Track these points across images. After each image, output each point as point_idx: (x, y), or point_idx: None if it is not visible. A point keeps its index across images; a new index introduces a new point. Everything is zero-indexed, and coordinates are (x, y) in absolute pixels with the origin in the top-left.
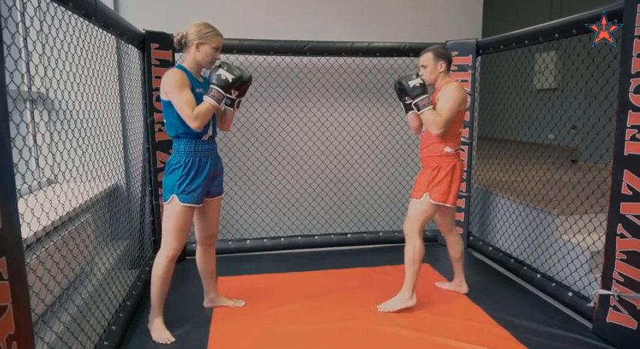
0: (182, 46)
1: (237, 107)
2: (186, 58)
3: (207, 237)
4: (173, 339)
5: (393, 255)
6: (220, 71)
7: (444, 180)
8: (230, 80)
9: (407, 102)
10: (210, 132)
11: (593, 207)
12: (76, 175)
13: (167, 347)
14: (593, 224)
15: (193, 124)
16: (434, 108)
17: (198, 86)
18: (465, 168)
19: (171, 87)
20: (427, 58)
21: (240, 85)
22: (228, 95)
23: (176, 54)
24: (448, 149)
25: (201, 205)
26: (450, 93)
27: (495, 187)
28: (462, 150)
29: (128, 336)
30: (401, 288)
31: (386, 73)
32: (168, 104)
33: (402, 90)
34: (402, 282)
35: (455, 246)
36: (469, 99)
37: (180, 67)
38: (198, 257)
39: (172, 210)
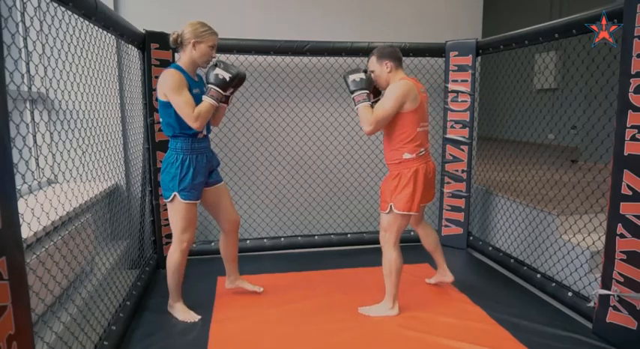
0: (178, 45)
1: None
2: (182, 58)
3: (228, 223)
4: (199, 317)
5: None
6: (217, 70)
7: (406, 187)
8: (227, 79)
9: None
10: (204, 131)
11: (593, 207)
12: (76, 175)
13: (168, 345)
14: (593, 224)
15: (195, 124)
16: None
17: (195, 86)
18: (465, 168)
19: (170, 88)
20: (372, 62)
21: (238, 82)
22: (226, 93)
23: (176, 54)
24: (407, 155)
25: (199, 200)
26: (390, 92)
27: (495, 187)
28: (460, 150)
29: (128, 336)
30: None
31: None
32: (166, 104)
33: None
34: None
35: (427, 237)
36: (427, 99)
37: (177, 67)
38: (221, 242)
39: (176, 207)
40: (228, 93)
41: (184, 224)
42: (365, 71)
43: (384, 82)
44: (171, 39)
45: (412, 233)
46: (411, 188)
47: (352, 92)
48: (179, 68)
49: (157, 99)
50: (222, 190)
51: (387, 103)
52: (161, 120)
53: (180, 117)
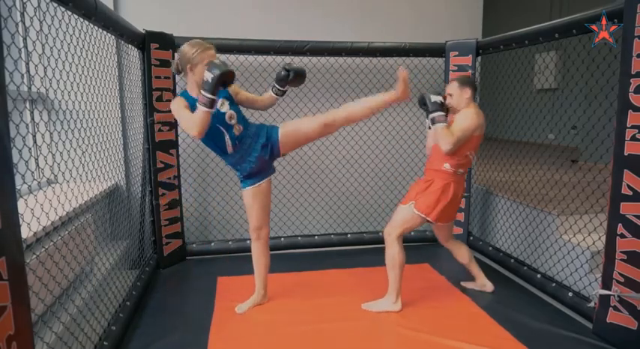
0: (180, 73)
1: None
2: (188, 82)
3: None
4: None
5: None
6: (205, 73)
7: (434, 194)
8: (210, 80)
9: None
10: (228, 147)
11: (593, 207)
12: (76, 175)
13: (168, 345)
14: (593, 224)
15: (192, 133)
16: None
17: None
18: None
19: (174, 112)
20: (453, 86)
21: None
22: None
23: (175, 54)
24: (447, 166)
25: (258, 184)
26: (468, 116)
27: (495, 187)
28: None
29: (128, 336)
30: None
31: (386, 73)
32: None
33: (424, 104)
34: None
35: (459, 253)
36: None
37: (182, 94)
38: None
39: (245, 196)
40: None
41: (249, 210)
42: (441, 94)
43: (458, 105)
44: (173, 69)
45: (412, 233)
46: (438, 196)
47: (433, 111)
48: (183, 94)
49: (159, 100)
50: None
51: (465, 126)
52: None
53: (207, 141)
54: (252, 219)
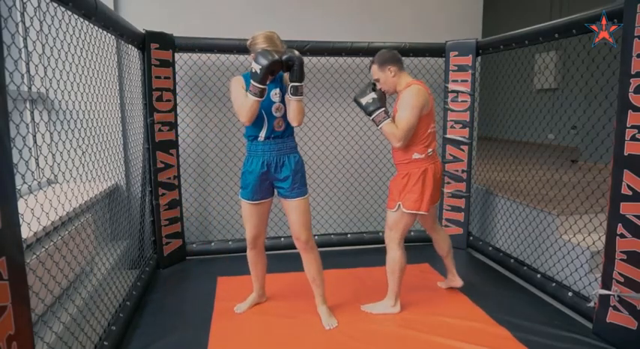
0: None
1: (299, 94)
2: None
3: (295, 240)
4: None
5: None
6: (253, 64)
7: (415, 187)
8: (257, 71)
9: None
10: (261, 134)
11: (593, 207)
12: (76, 175)
13: (168, 345)
14: (593, 224)
15: (241, 119)
16: (395, 117)
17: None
18: (465, 168)
19: (230, 92)
20: (374, 70)
21: (285, 67)
22: (294, 83)
23: (176, 54)
24: (416, 155)
25: (254, 203)
26: (406, 102)
27: (495, 187)
28: (460, 150)
29: (128, 336)
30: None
31: None
32: None
33: (361, 108)
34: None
35: (440, 243)
36: (433, 101)
37: (244, 75)
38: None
39: (242, 205)
40: (293, 85)
41: (244, 221)
42: (373, 85)
43: (391, 87)
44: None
45: (412, 233)
46: (420, 187)
47: (370, 114)
48: (244, 75)
49: (159, 100)
50: (288, 207)
51: (408, 115)
52: None
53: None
54: (248, 230)
